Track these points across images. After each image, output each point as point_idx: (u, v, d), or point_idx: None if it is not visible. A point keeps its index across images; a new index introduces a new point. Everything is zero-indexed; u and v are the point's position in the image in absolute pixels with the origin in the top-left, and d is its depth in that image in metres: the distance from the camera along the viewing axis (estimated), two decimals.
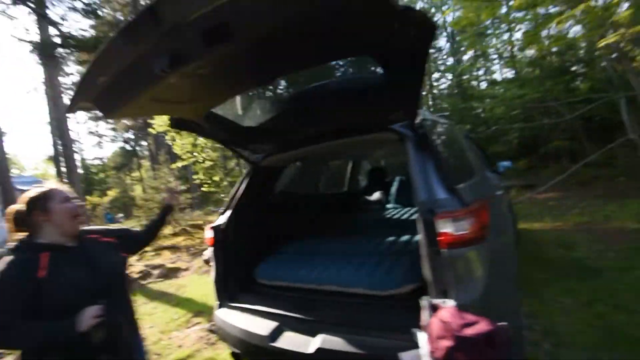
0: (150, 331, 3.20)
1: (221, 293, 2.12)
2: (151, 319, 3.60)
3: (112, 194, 20.22)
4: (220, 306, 2.08)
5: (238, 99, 1.95)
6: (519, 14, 8.81)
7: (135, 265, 5.82)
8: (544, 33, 7.93)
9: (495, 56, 13.78)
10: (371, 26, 1.01)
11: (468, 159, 2.18)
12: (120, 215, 20.34)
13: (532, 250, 4.11)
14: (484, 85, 14.40)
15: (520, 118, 8.30)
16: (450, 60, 15.56)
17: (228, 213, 2.27)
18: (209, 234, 2.23)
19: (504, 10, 8.82)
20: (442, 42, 16.46)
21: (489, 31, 11.24)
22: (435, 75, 16.19)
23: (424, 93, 17.81)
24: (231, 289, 2.15)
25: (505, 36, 11.85)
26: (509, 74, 14.10)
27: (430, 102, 14.60)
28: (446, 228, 1.32)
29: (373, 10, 0.91)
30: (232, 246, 2.24)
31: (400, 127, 1.74)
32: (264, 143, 2.31)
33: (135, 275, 5.36)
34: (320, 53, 1.29)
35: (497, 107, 8.57)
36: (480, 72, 16.33)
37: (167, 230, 7.96)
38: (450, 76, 14.07)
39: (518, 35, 11.36)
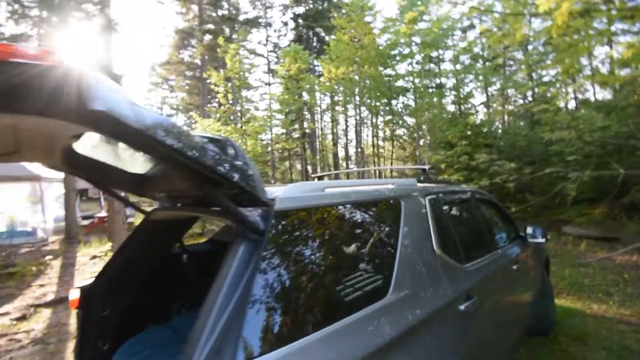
0: None
1: None
2: None
3: None
4: None
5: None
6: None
7: None
8: None
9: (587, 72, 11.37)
10: None
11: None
12: None
13: (571, 353, 2.92)
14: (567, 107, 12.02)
15: (595, 154, 6.41)
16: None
17: (105, 271, 1.85)
18: (73, 294, 1.82)
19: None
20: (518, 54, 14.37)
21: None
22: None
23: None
24: None
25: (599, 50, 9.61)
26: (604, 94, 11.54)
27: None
28: None
29: None
30: (100, 314, 1.81)
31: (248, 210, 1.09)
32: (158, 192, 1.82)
33: None
34: None
35: (571, 144, 6.75)
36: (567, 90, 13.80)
37: None
38: (517, 95, 11.99)
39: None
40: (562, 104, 14.03)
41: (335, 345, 0.98)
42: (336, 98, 17.41)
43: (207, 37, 16.86)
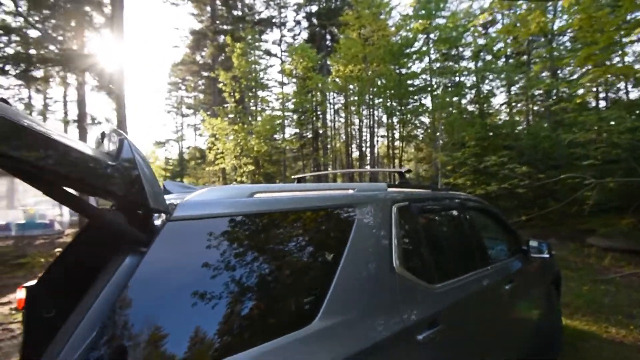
0: None
1: None
2: None
3: None
4: None
5: None
6: None
7: None
8: None
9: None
10: None
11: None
12: None
13: None
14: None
15: (623, 158, 5.77)
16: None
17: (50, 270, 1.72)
18: (20, 294, 1.71)
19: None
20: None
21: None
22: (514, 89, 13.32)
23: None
24: None
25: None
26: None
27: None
28: None
29: None
30: (45, 315, 1.69)
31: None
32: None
33: None
34: None
35: (595, 144, 6.15)
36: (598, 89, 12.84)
37: None
38: (540, 92, 11.19)
39: None
40: (593, 104, 13.11)
41: None
42: (352, 98, 17.12)
43: (222, 38, 16.97)
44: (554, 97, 9.56)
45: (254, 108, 14.57)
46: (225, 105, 13.03)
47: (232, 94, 11.56)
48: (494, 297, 1.94)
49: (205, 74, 19.96)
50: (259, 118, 13.52)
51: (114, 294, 0.80)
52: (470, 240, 2.04)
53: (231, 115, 12.02)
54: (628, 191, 6.26)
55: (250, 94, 13.68)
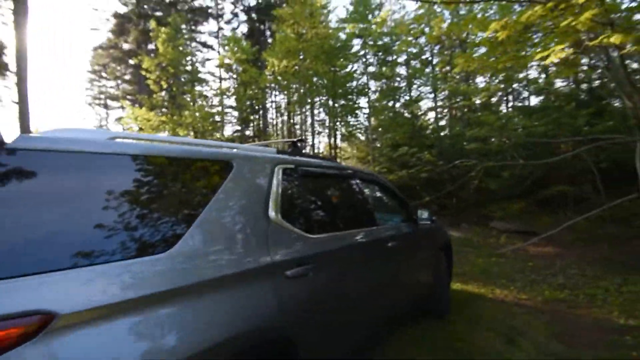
0: None
1: None
2: None
3: None
4: None
5: None
6: None
7: None
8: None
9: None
10: None
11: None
12: None
13: (458, 332, 2.97)
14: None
15: (520, 154, 6.93)
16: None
17: None
18: None
19: None
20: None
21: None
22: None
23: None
24: None
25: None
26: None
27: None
28: None
29: None
30: None
31: None
32: None
33: None
34: None
35: (494, 136, 7.28)
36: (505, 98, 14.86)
37: None
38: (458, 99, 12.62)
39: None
40: (504, 109, 15.07)
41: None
42: (293, 97, 17.25)
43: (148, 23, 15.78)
44: (462, 99, 10.90)
45: (188, 99, 13.78)
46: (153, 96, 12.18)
47: (158, 81, 10.80)
48: (375, 253, 2.18)
49: (131, 62, 18.42)
50: (191, 110, 12.83)
51: None
52: (355, 203, 2.28)
53: (157, 106, 11.23)
54: (517, 181, 7.41)
55: (182, 86, 12.94)
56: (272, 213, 1.49)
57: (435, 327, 3.10)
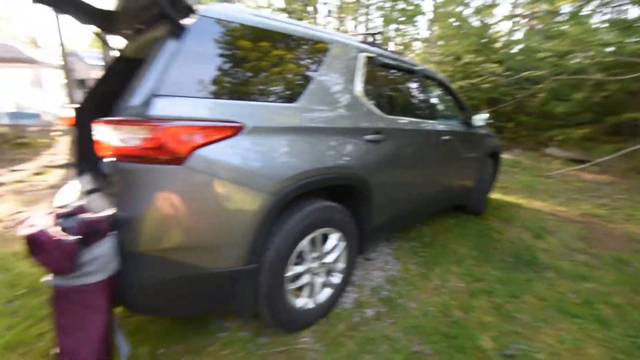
0: None
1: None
2: None
3: None
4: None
5: None
6: None
7: None
8: None
9: None
10: None
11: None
12: None
13: (493, 227, 3.47)
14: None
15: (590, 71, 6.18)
16: None
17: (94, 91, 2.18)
18: (68, 113, 2.18)
19: None
20: None
21: None
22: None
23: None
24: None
25: None
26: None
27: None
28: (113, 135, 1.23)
29: None
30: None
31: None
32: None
33: None
34: None
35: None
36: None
37: None
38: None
39: None
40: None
41: None
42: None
43: None
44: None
45: None
46: None
47: None
48: (432, 142, 2.58)
49: None
50: None
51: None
52: (421, 96, 2.62)
53: None
54: (587, 106, 6.84)
55: None
56: (356, 90, 1.90)
57: (473, 220, 3.63)
